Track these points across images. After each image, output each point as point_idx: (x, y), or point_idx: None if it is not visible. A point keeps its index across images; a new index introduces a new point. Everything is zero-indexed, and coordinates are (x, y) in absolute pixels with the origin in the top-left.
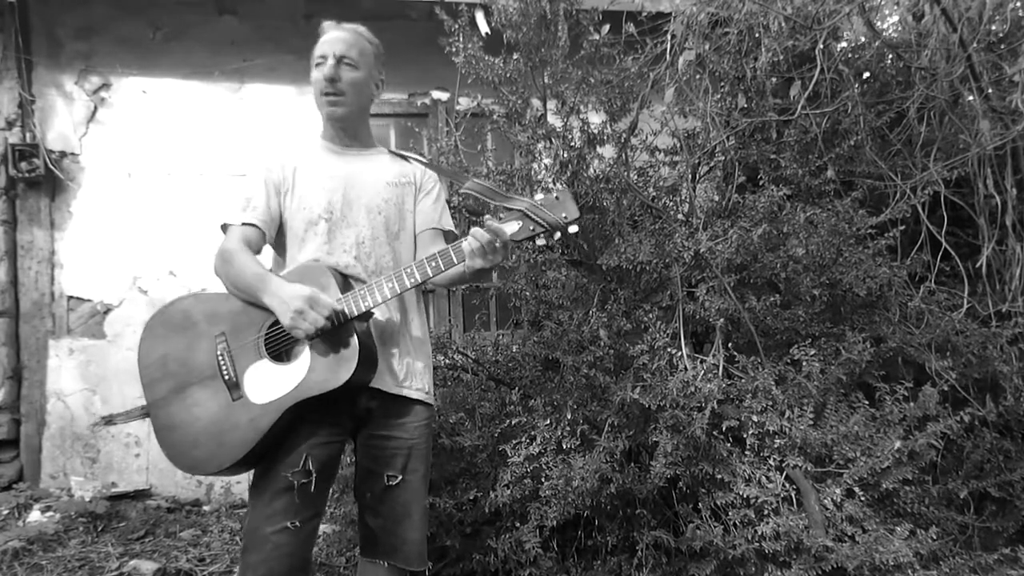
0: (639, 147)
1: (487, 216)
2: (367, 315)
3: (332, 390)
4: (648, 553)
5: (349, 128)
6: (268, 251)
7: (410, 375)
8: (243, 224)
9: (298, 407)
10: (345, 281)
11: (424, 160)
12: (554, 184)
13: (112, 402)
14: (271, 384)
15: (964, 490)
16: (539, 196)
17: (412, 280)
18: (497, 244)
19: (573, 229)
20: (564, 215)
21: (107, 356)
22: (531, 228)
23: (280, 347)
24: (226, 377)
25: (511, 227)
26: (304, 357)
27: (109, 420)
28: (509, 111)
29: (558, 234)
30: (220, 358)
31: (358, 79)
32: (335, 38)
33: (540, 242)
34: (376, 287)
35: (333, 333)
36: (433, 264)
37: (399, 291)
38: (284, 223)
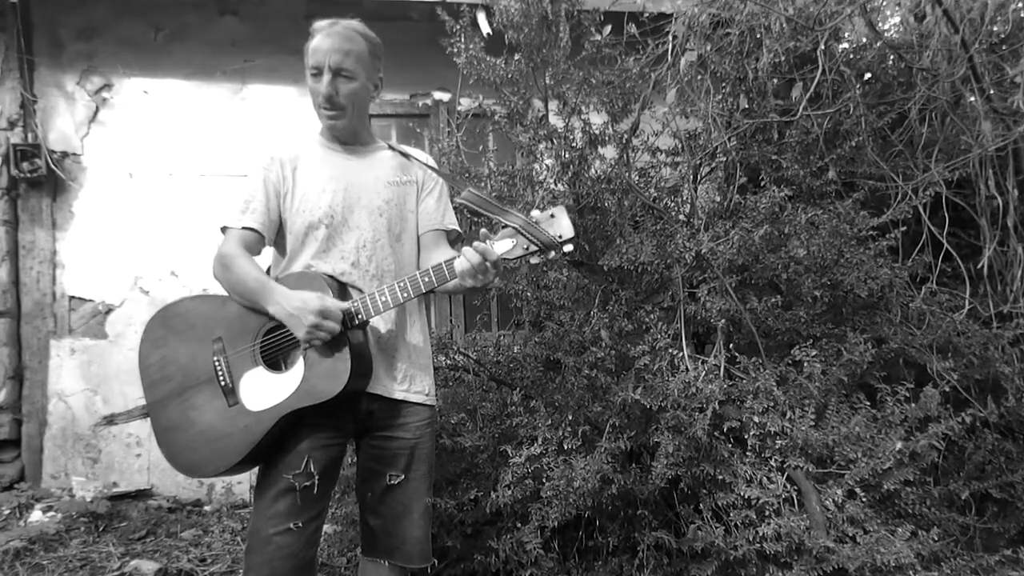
0: (640, 148)
1: (483, 231)
2: (363, 324)
3: (326, 400)
4: (649, 554)
5: (349, 132)
6: (267, 250)
7: (410, 380)
8: (242, 228)
9: (295, 414)
10: (342, 289)
11: (422, 160)
12: (555, 184)
13: (114, 402)
14: (266, 392)
15: (965, 491)
16: (534, 213)
17: (405, 295)
18: (488, 265)
19: (568, 248)
20: (559, 234)
21: (109, 356)
22: (525, 246)
23: (275, 355)
24: (222, 383)
25: (504, 245)
26: (298, 367)
27: (110, 420)
28: (511, 112)
29: (552, 253)
30: (217, 364)
31: (355, 89)
32: (330, 47)
33: (534, 260)
34: (371, 300)
35: (328, 343)
36: (426, 279)
37: (392, 306)
38: (284, 223)
